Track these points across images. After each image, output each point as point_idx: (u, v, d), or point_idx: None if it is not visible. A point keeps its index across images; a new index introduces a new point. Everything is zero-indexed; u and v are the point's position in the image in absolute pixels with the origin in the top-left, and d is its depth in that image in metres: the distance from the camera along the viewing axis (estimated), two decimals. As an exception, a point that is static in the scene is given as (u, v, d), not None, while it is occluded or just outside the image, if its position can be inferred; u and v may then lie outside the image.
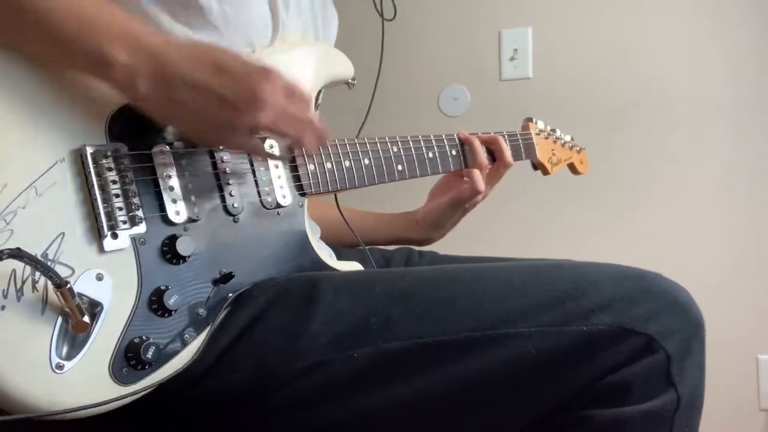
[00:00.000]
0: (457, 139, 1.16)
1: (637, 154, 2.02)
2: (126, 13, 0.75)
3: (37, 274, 0.66)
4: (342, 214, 1.09)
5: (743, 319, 1.89)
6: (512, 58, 2.12)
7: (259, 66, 0.76)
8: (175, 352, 0.76)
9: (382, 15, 1.09)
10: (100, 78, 0.72)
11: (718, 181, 1.96)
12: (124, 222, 0.73)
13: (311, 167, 0.93)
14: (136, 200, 0.75)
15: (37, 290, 0.67)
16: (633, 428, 0.73)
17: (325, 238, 1.09)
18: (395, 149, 1.05)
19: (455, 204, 1.16)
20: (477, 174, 1.14)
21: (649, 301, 0.75)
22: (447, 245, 1.24)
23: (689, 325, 0.76)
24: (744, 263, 1.93)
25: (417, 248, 1.23)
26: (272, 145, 0.87)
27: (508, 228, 2.08)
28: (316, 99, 1.09)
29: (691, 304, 0.78)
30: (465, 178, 1.18)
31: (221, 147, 0.82)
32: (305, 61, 0.97)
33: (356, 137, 1.00)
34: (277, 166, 0.89)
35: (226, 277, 0.80)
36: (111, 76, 0.71)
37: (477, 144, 1.16)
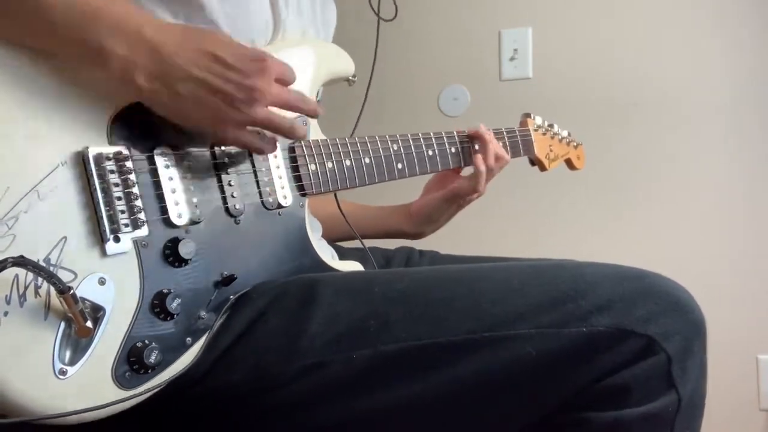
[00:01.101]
0: (456, 137, 1.16)
1: (637, 154, 2.02)
2: (125, 2, 0.75)
3: (40, 279, 0.66)
4: (343, 213, 1.09)
5: (743, 319, 1.89)
6: (512, 58, 2.11)
7: (254, 54, 0.77)
8: (178, 355, 0.76)
9: (378, 14, 1.09)
10: (98, 69, 0.72)
11: (718, 180, 1.96)
12: (127, 225, 0.73)
13: (312, 167, 0.93)
14: (138, 203, 0.75)
15: (40, 296, 0.67)
16: (633, 430, 0.73)
17: (324, 233, 1.09)
18: (395, 147, 1.05)
19: (450, 199, 1.17)
20: (482, 173, 1.15)
21: (650, 302, 0.75)
22: (447, 245, 1.24)
23: (690, 326, 0.76)
24: (744, 263, 1.92)
25: (417, 248, 1.23)
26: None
27: (508, 228, 2.08)
28: (315, 96, 1.09)
29: (693, 304, 0.77)
30: (461, 174, 1.18)
31: (221, 143, 0.83)
32: (305, 58, 0.97)
33: (348, 137, 1.00)
34: (278, 167, 0.89)
35: (228, 279, 0.81)
36: (109, 68, 0.72)
37: (491, 145, 1.17)
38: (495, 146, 1.18)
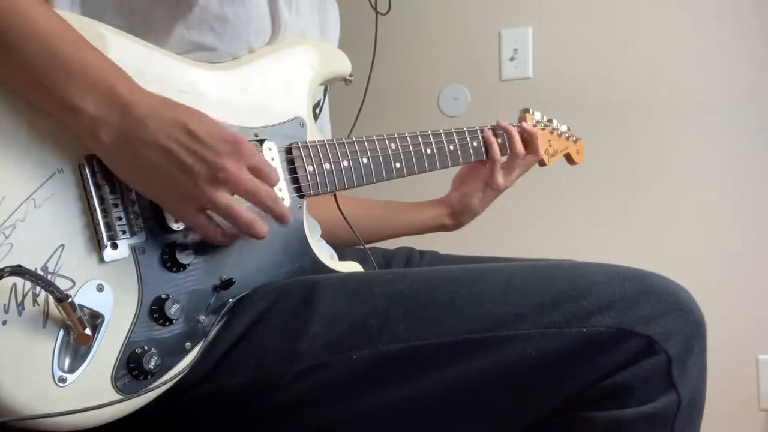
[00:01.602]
0: (455, 135, 1.16)
1: (637, 154, 2.01)
2: (103, 55, 0.73)
3: (38, 287, 0.66)
4: (342, 214, 1.08)
5: (743, 319, 1.89)
6: (512, 58, 2.11)
7: (232, 137, 0.74)
8: (177, 360, 0.76)
9: (375, 9, 1.09)
10: (67, 125, 0.71)
11: (718, 180, 1.96)
12: (124, 231, 0.73)
13: (310, 168, 0.93)
14: (135, 209, 0.75)
15: (38, 304, 0.67)
16: (634, 430, 0.73)
17: (331, 236, 1.09)
18: (393, 147, 1.05)
19: (487, 186, 1.22)
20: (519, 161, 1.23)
21: (650, 302, 0.75)
22: (447, 245, 1.24)
23: (690, 326, 0.76)
24: (743, 263, 1.92)
25: (417, 248, 1.23)
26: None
27: (508, 228, 2.08)
28: (324, 94, 1.09)
29: (693, 305, 0.77)
30: (488, 164, 1.22)
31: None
32: (302, 58, 0.97)
33: (346, 137, 1.00)
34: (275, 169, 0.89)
35: (227, 284, 0.81)
36: (77, 124, 0.70)
37: (516, 135, 1.23)
38: (520, 130, 1.25)
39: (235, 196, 0.76)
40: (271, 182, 0.78)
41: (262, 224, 0.78)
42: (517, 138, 1.23)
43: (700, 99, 1.96)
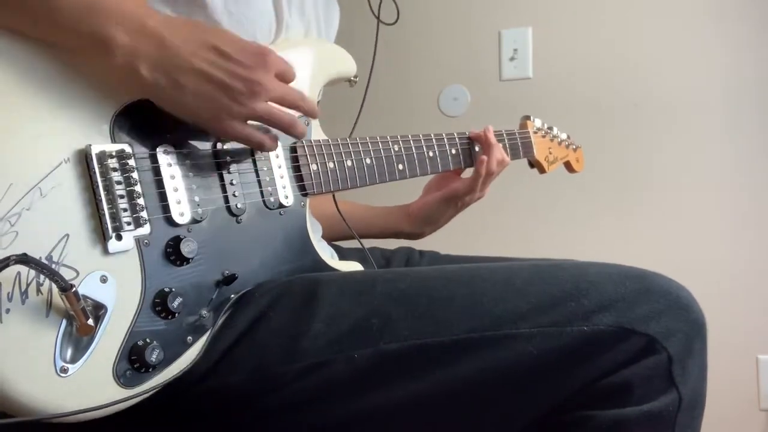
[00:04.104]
0: (457, 138, 1.16)
1: (637, 153, 2.02)
2: None
3: (42, 277, 0.66)
4: (341, 214, 1.09)
5: (743, 319, 1.89)
6: (512, 58, 2.12)
7: (256, 49, 0.78)
8: (179, 354, 0.76)
9: (378, 17, 1.09)
10: (101, 59, 0.72)
11: (718, 181, 1.96)
12: (129, 223, 0.73)
13: (314, 167, 0.94)
14: (140, 201, 0.75)
15: (42, 293, 0.67)
16: (634, 429, 0.73)
17: (323, 234, 1.09)
18: (396, 148, 1.05)
19: (449, 200, 1.18)
20: (481, 176, 1.15)
21: (651, 301, 0.75)
22: (447, 245, 1.24)
23: (691, 325, 0.76)
24: (744, 263, 1.93)
25: (417, 248, 1.23)
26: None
27: (508, 228, 2.08)
28: (317, 96, 1.09)
29: (693, 304, 0.77)
30: (461, 176, 1.18)
31: (222, 135, 0.82)
32: (307, 58, 0.98)
33: (348, 136, 1.00)
34: (280, 167, 0.90)
35: (229, 279, 0.81)
36: (112, 58, 0.72)
37: (495, 149, 1.18)
38: (498, 151, 1.18)
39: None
40: (291, 79, 0.83)
41: (301, 123, 0.85)
42: (494, 145, 1.18)
43: (701, 99, 1.97)
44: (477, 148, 1.18)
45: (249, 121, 0.80)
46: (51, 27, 0.71)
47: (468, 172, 1.20)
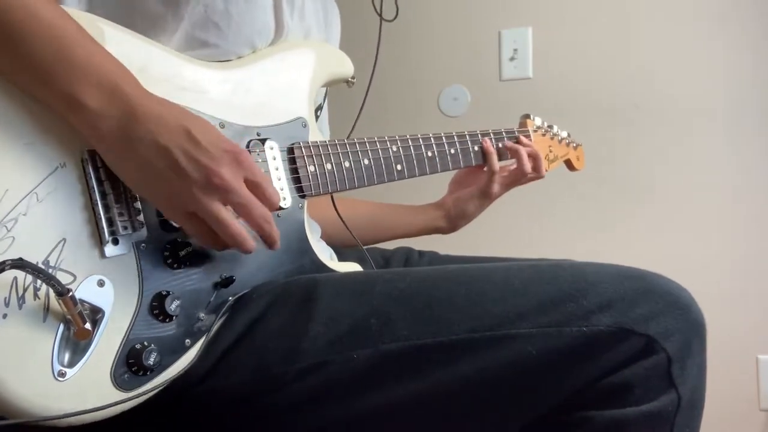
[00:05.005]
0: (455, 138, 1.16)
1: (637, 153, 2.02)
2: (108, 53, 0.72)
3: (39, 281, 0.66)
4: (339, 215, 1.08)
5: (743, 319, 1.89)
6: (512, 58, 2.12)
7: (232, 147, 0.73)
8: (177, 357, 0.76)
9: (380, 15, 1.09)
10: (68, 118, 0.70)
11: (717, 181, 1.96)
12: (125, 227, 0.73)
13: (311, 168, 0.93)
14: (137, 205, 0.75)
15: (39, 298, 0.67)
16: (633, 429, 0.73)
17: (330, 238, 1.09)
18: (394, 149, 1.05)
19: (483, 193, 1.22)
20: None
21: (650, 301, 0.75)
22: (447, 245, 1.24)
23: (690, 326, 0.76)
24: (743, 263, 1.92)
25: (417, 248, 1.23)
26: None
27: (508, 228, 2.08)
28: (324, 97, 1.09)
29: (692, 304, 0.77)
30: (485, 169, 1.22)
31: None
32: (304, 59, 0.97)
33: (347, 137, 1.00)
34: (277, 168, 0.89)
35: (227, 281, 0.81)
36: (78, 118, 0.70)
37: (524, 156, 1.23)
38: (529, 152, 1.24)
39: (230, 209, 0.74)
40: (271, 203, 0.76)
41: (251, 239, 0.76)
42: (526, 159, 1.23)
43: (701, 99, 1.97)
44: (476, 148, 1.18)
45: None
46: (23, 76, 0.69)
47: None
